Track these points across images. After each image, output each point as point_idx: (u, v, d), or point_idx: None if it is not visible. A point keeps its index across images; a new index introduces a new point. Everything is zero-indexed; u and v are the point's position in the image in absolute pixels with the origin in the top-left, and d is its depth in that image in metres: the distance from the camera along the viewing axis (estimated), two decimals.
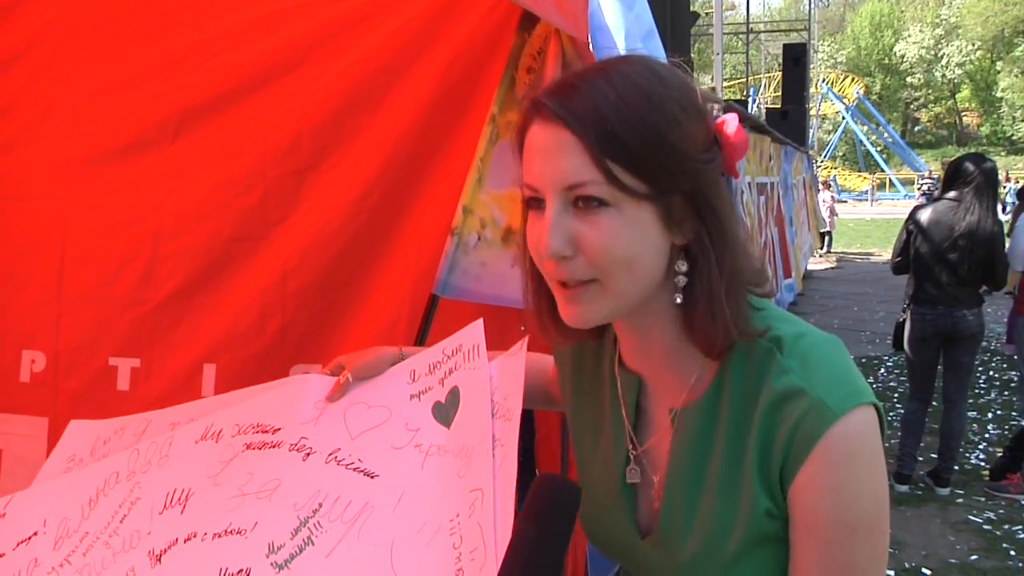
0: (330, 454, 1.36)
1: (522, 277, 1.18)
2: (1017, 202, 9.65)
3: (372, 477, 1.32)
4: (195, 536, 1.33)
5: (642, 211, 0.99)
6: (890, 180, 38.74)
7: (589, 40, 2.04)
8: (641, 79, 0.99)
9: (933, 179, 17.08)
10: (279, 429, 1.42)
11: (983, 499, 5.47)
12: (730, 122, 1.05)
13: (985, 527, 5.05)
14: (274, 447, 1.40)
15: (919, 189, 18.06)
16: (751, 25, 32.42)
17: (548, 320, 1.16)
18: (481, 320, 1.39)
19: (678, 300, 1.05)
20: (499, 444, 1.22)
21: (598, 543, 1.29)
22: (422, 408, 1.37)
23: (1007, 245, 5.48)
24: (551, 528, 0.95)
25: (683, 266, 1.03)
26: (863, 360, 9.32)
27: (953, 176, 5.38)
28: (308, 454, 1.38)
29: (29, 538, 1.48)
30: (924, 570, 4.52)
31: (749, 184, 8.29)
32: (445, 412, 1.35)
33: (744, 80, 36.40)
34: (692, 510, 1.09)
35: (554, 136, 0.99)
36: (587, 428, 1.29)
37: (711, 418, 1.09)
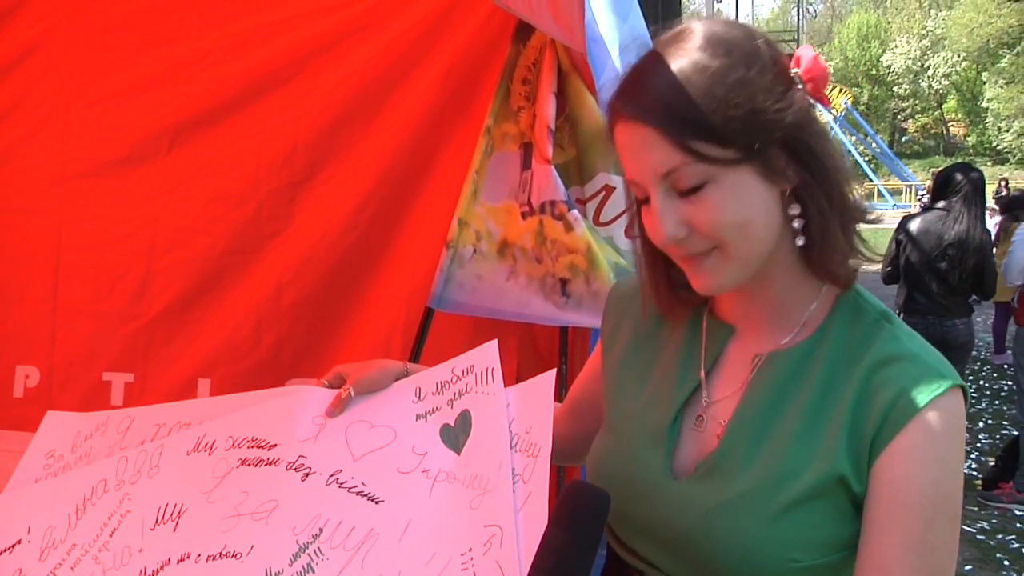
0: (331, 476, 1.30)
1: (638, 253, 1.21)
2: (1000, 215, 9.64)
3: (376, 502, 1.26)
4: (188, 557, 1.29)
5: (741, 175, 1.01)
6: (878, 190, 38.83)
7: (587, 51, 2.03)
8: (699, 53, 1.01)
9: None
10: (275, 445, 1.36)
11: (976, 509, 5.47)
12: (804, 57, 1.06)
13: (979, 537, 5.05)
14: (270, 464, 1.34)
15: (919, 202, 18.09)
16: None
17: (665, 291, 1.20)
18: (495, 341, 1.33)
19: (800, 243, 1.06)
20: (521, 480, 1.17)
21: (608, 486, 1.24)
22: (429, 430, 1.31)
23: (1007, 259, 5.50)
24: (581, 535, 0.93)
25: (796, 209, 1.05)
26: None
27: (942, 186, 5.40)
28: (307, 474, 1.32)
29: (12, 546, 1.43)
30: None
31: None
32: (454, 436, 1.29)
33: None
34: (756, 447, 1.07)
35: (635, 134, 1.03)
36: (635, 373, 1.25)
37: (800, 369, 1.09)
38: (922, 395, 1.00)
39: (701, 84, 1.00)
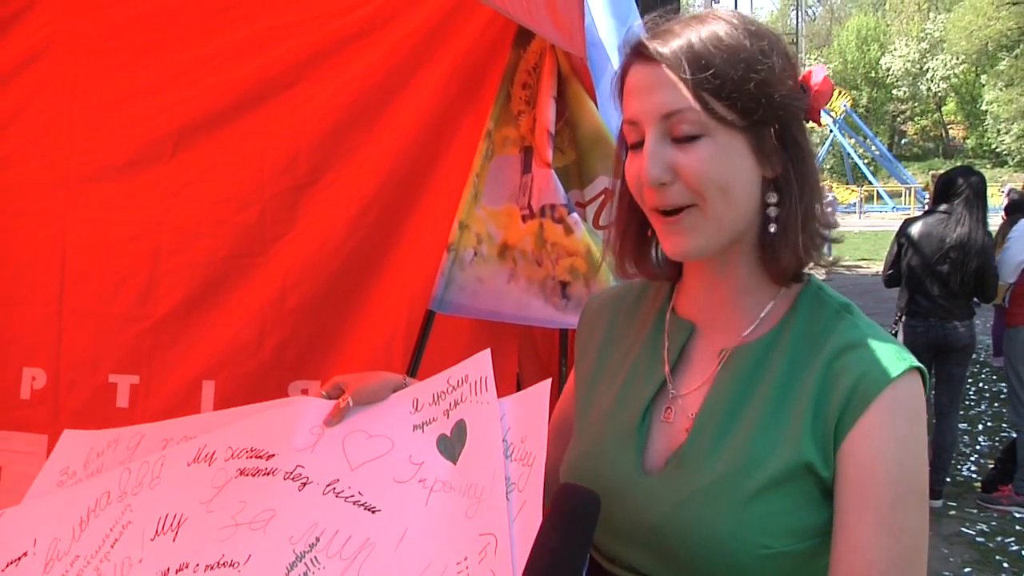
0: (328, 485, 1.31)
1: (615, 217, 1.25)
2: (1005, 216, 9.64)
3: (373, 512, 1.27)
4: (187, 567, 1.29)
5: (734, 140, 1.06)
6: (878, 192, 38.85)
7: (587, 56, 2.05)
8: (734, 22, 1.09)
9: None
10: (274, 455, 1.37)
11: (976, 511, 5.48)
12: (817, 72, 1.13)
13: (978, 539, 5.05)
14: (268, 474, 1.35)
15: (927, 204, 18.04)
16: None
17: (630, 256, 1.25)
18: (488, 351, 1.34)
19: (772, 229, 1.11)
20: (516, 489, 1.18)
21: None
22: (426, 440, 1.32)
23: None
24: (573, 536, 0.96)
25: (773, 197, 1.10)
26: None
27: (943, 189, 5.41)
28: (304, 484, 1.32)
29: (19, 559, 1.44)
30: None
31: None
32: (451, 446, 1.29)
33: None
34: (723, 437, 1.10)
35: (652, 74, 1.08)
36: (606, 374, 1.29)
37: (763, 361, 1.13)
38: (882, 378, 1.03)
39: (730, 45, 1.06)
